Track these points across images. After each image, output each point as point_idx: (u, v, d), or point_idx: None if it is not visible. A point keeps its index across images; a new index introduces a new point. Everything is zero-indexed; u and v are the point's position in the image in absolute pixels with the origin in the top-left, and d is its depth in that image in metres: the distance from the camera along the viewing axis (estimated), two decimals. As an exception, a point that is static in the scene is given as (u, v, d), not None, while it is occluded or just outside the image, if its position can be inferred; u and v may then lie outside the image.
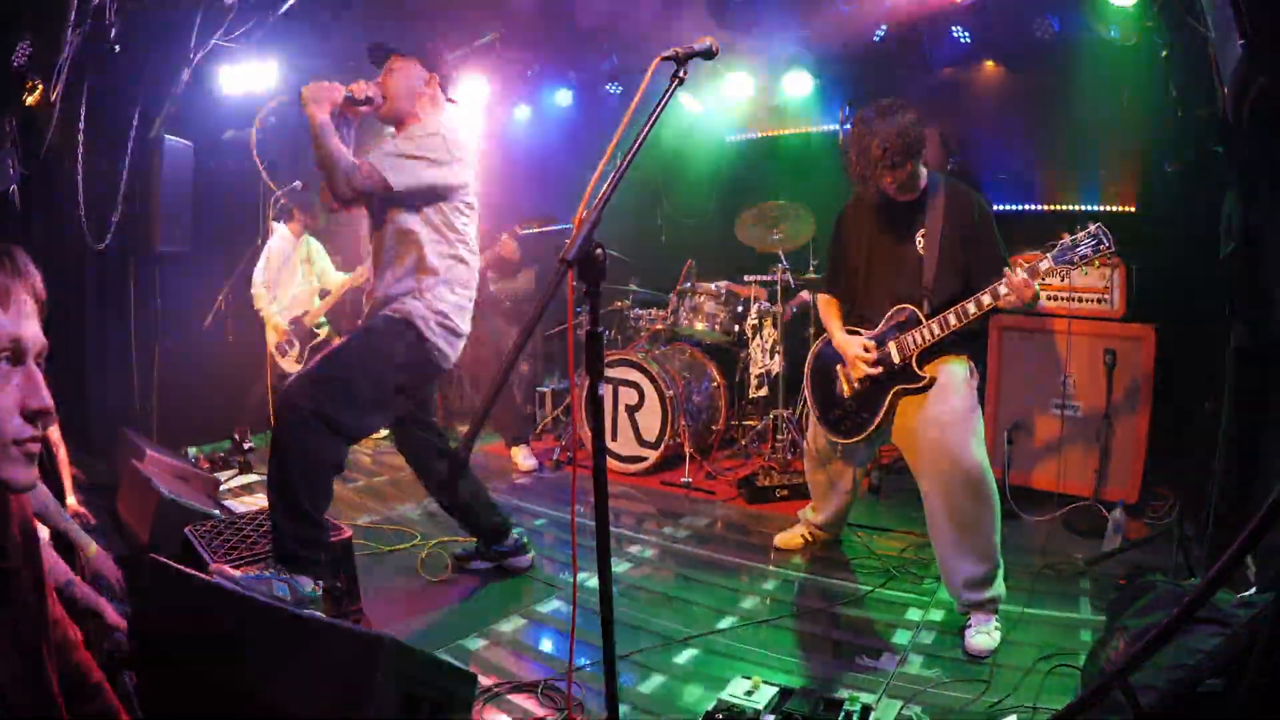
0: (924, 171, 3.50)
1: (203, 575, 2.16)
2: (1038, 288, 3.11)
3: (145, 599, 2.33)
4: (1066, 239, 3.06)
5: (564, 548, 4.31)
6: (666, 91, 1.98)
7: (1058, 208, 5.83)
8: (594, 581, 3.51)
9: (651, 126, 1.91)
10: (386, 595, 3.66)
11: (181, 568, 2.13)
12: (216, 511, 3.90)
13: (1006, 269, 3.11)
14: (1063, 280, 4.72)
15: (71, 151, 4.43)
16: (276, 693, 1.83)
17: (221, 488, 5.01)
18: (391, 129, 3.58)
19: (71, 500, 3.88)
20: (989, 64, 6.12)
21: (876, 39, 6.03)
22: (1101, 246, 3.00)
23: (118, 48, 4.47)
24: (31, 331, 1.31)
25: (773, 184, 6.90)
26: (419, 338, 3.33)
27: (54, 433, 3.99)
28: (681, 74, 2.01)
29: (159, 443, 5.02)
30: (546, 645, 3.30)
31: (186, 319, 6.03)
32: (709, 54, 2.07)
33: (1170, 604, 2.29)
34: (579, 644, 3.06)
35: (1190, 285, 4.48)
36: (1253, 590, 2.20)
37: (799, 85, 6.63)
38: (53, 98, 4.06)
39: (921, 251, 3.47)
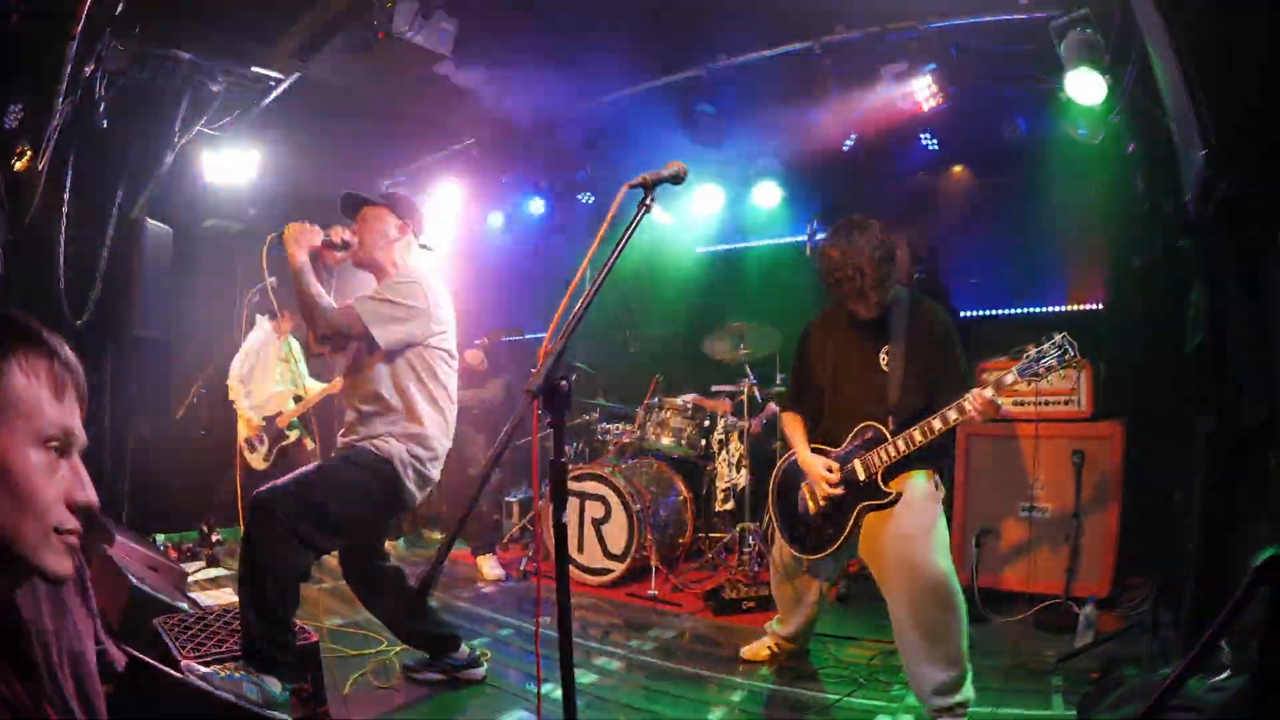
0: (888, 289, 3.60)
1: (174, 673, 2.16)
2: (999, 402, 3.19)
3: (122, 693, 2.27)
4: (1032, 350, 3.15)
5: (529, 658, 4.26)
6: (634, 218, 2.06)
7: (1026, 311, 5.95)
8: (558, 693, 3.51)
9: (618, 254, 2.00)
10: (353, 698, 3.60)
11: (156, 664, 2.10)
12: (184, 604, 3.85)
13: (972, 388, 3.21)
14: (1029, 384, 4.83)
15: (54, 223, 4.48)
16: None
17: (189, 579, 4.93)
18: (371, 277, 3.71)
19: None
20: (957, 169, 6.32)
21: (845, 148, 6.23)
22: (1067, 356, 3.08)
23: (105, 123, 4.58)
24: (78, 424, 1.33)
25: (741, 296, 7.14)
26: (395, 479, 3.42)
27: None
28: (649, 200, 2.10)
29: (128, 527, 4.94)
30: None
31: (161, 405, 6.02)
32: (676, 179, 2.18)
33: (1143, 696, 2.32)
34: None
35: (1157, 379, 4.60)
36: (1226, 674, 2.24)
37: (768, 197, 6.84)
38: (40, 165, 4.14)
39: (886, 369, 3.57)
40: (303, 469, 3.41)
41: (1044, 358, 3.12)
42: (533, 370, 1.81)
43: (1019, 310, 6.06)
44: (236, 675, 2.93)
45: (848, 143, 6.31)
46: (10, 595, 1.30)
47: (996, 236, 6.11)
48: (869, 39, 5.23)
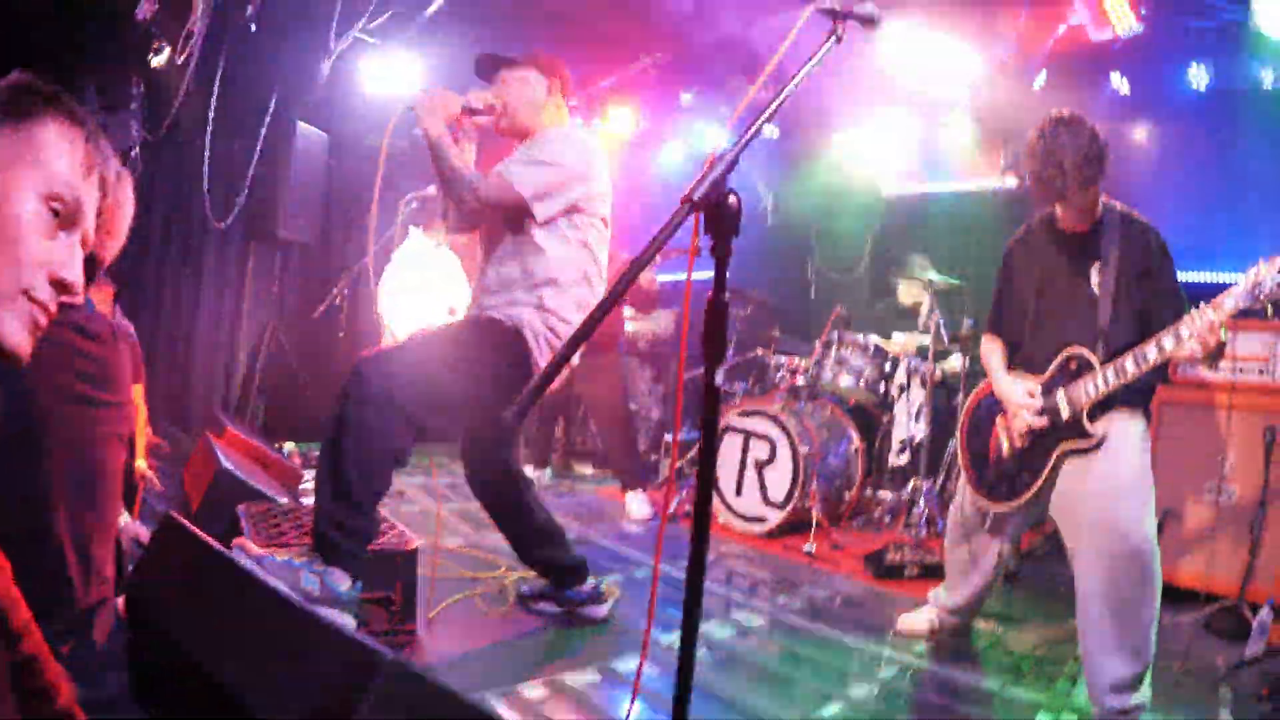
0: (1097, 200, 3.09)
1: (216, 545, 1.89)
2: (1224, 334, 2.68)
3: (150, 557, 2.06)
4: (1250, 272, 2.63)
5: (664, 604, 3.87)
6: (821, 46, 1.75)
7: (1212, 278, 5.41)
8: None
9: (797, 82, 1.67)
10: (453, 622, 3.33)
11: (195, 531, 1.89)
12: (282, 498, 3.68)
13: (1191, 310, 2.70)
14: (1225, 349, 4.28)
15: (201, 126, 4.45)
16: (248, 693, 1.54)
17: (303, 484, 4.83)
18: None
19: (141, 463, 3.78)
20: (1145, 121, 5.95)
21: (1036, 88, 5.82)
22: None
23: (254, 26, 4.45)
24: (91, 208, 1.27)
25: (928, 241, 6.64)
26: (524, 353, 3.02)
27: (136, 393, 3.93)
28: (840, 32, 1.80)
29: (261, 431, 4.93)
30: (616, 709, 2.82)
31: (302, 310, 5.98)
32: (870, 19, 1.84)
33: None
34: (658, 714, 2.67)
35: None
36: None
37: (959, 132, 6.42)
38: (180, 61, 4.04)
39: (1097, 290, 3.04)
40: (418, 332, 3.09)
41: (1263, 283, 2.60)
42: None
43: (1209, 276, 5.45)
44: (296, 562, 2.59)
45: (1038, 82, 5.87)
46: None
47: (1187, 193, 5.54)
48: None
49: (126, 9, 3.77)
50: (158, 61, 4.16)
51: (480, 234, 3.37)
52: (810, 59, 1.71)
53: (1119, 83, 5.78)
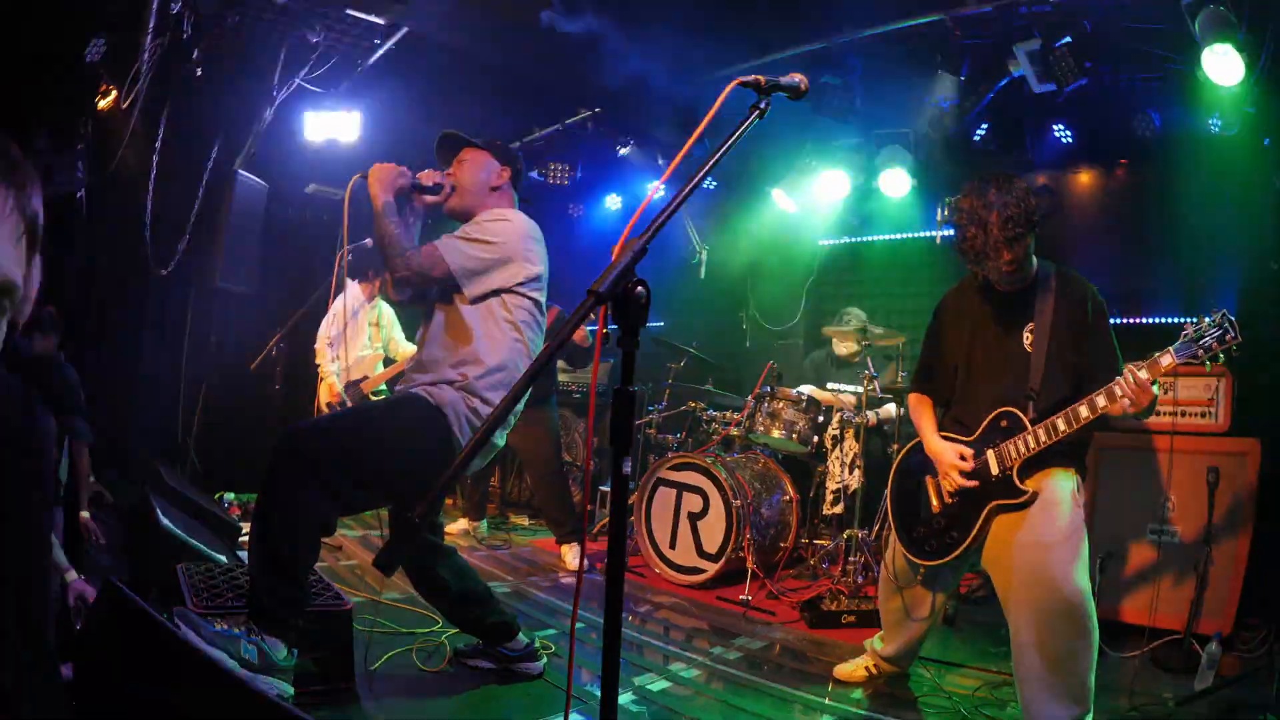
0: (1035, 258, 3.17)
1: (157, 615, 1.87)
2: (1156, 390, 2.75)
3: (94, 625, 2.09)
4: (1190, 329, 2.74)
5: (600, 655, 3.86)
6: (745, 122, 1.79)
7: (1153, 321, 5.62)
8: (623, 697, 3.07)
9: (720, 156, 1.72)
10: (391, 678, 3.29)
11: (137, 600, 1.86)
12: (221, 556, 3.63)
13: (1125, 368, 2.76)
14: (1165, 393, 4.44)
15: (145, 170, 4.40)
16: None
17: (242, 536, 4.74)
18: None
19: (85, 513, 3.70)
20: (1088, 166, 6.08)
21: (977, 138, 5.95)
22: (1228, 337, 2.68)
23: (200, 71, 4.45)
24: (19, 281, 1.09)
25: (863, 290, 6.86)
26: (446, 432, 3.02)
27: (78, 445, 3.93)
28: (763, 105, 1.83)
29: (197, 481, 4.85)
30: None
31: (241, 359, 5.93)
32: (796, 91, 1.90)
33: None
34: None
35: None
36: None
37: (896, 185, 6.44)
38: (125, 104, 4.02)
39: (1029, 348, 3.11)
40: (344, 409, 3.09)
41: (1203, 337, 2.71)
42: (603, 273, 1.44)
43: (1150, 320, 5.66)
44: (235, 631, 2.59)
45: (979, 132, 6.02)
46: None
47: (1128, 238, 5.77)
48: (1001, 12, 4.96)
49: (77, 50, 3.75)
50: (104, 104, 4.12)
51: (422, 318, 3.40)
52: (733, 134, 1.75)
53: (1061, 132, 5.91)
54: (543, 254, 3.29)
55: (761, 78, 1.84)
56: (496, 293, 3.14)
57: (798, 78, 1.90)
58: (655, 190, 1.59)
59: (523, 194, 3.53)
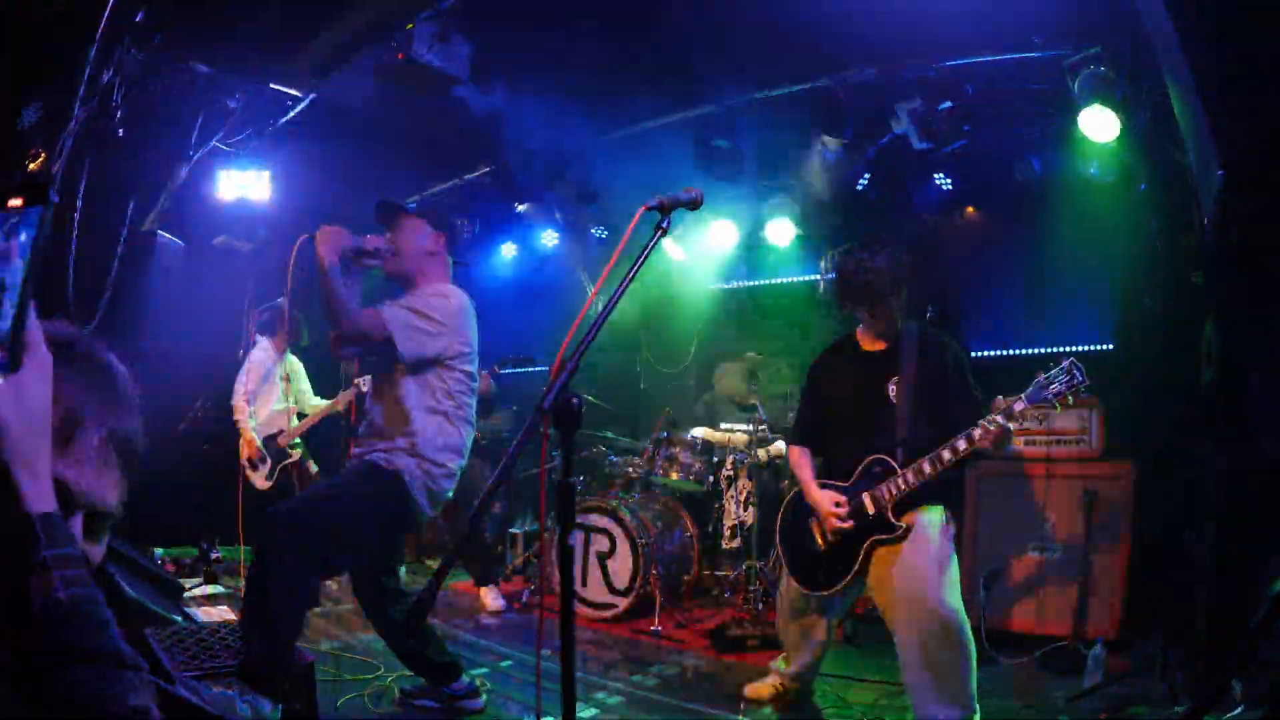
0: (898, 318, 3.62)
1: (164, 684, 2.11)
2: (1010, 428, 3.16)
3: None
4: (1041, 376, 3.12)
5: (529, 689, 4.18)
6: (650, 241, 2.03)
7: (1037, 352, 5.96)
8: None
9: (633, 276, 1.97)
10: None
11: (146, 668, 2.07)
12: (177, 617, 3.79)
13: (981, 418, 3.18)
14: (1040, 424, 4.83)
15: (65, 230, 4.48)
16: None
17: (186, 594, 4.87)
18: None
19: None
20: (971, 209, 6.35)
21: (860, 187, 6.26)
22: (1075, 381, 3.06)
23: (121, 132, 4.57)
24: None
25: (753, 332, 7.08)
26: (404, 494, 3.36)
27: None
28: (664, 224, 2.07)
29: (126, 538, 4.90)
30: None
31: (166, 417, 6.00)
32: (694, 204, 2.14)
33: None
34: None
35: (1166, 418, 4.58)
36: (1239, 710, 2.18)
37: (781, 234, 6.81)
38: (54, 168, 4.13)
39: (894, 400, 3.52)
40: (315, 486, 3.38)
41: (1052, 383, 3.10)
42: (544, 389, 1.76)
43: (1031, 350, 6.06)
44: (229, 692, 2.85)
45: (862, 182, 6.35)
46: None
47: (1009, 276, 6.14)
48: (885, 75, 5.28)
49: (10, 116, 3.85)
50: (33, 166, 4.20)
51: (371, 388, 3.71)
52: (642, 254, 1.99)
53: (942, 181, 6.20)
54: (474, 329, 3.61)
55: (664, 199, 2.08)
56: (433, 367, 3.46)
57: (695, 192, 2.14)
58: (587, 306, 1.87)
59: (457, 256, 3.84)
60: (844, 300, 3.65)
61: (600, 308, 1.92)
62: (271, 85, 5.17)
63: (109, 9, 3.35)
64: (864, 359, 3.67)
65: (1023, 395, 3.15)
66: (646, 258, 1.99)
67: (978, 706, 3.19)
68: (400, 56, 4.47)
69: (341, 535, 3.19)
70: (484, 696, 3.88)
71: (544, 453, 1.96)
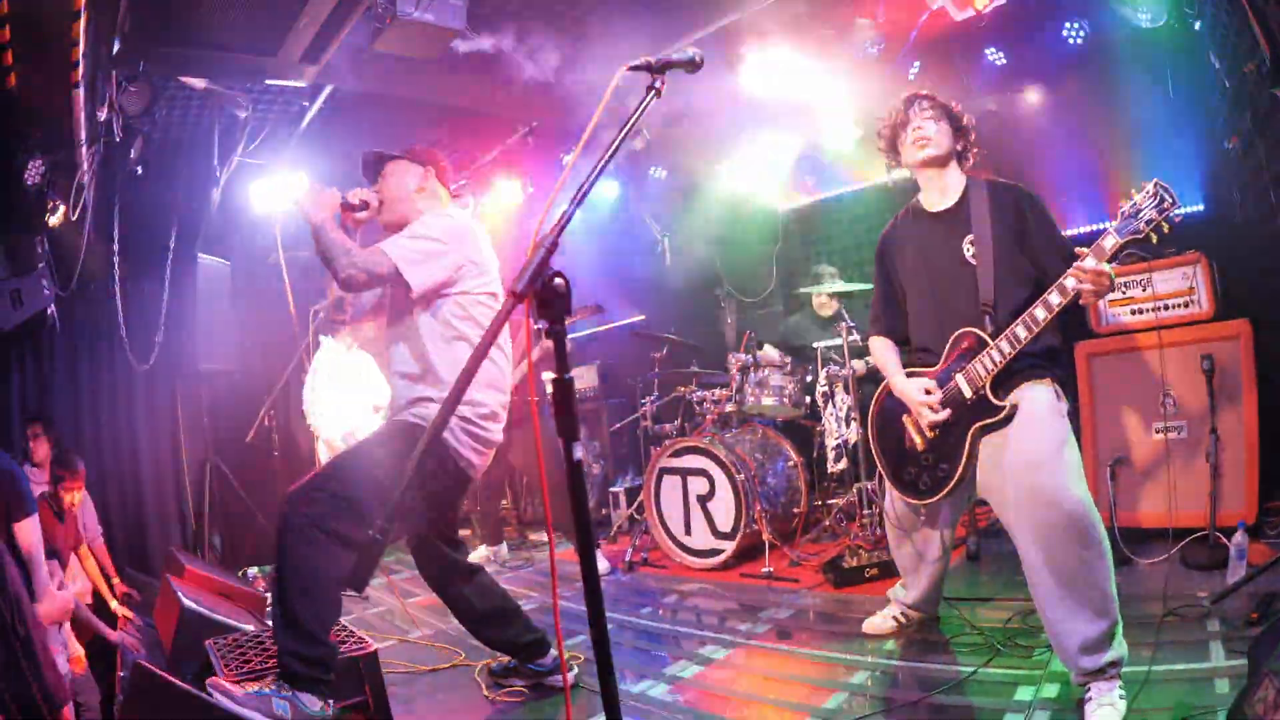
0: (959, 174, 3.19)
1: (188, 687, 2.03)
2: (1111, 271, 2.69)
3: (129, 707, 2.23)
4: (1125, 204, 2.66)
5: (637, 655, 3.90)
6: (641, 103, 1.77)
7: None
8: (656, 690, 3.10)
9: (620, 141, 1.71)
10: (432, 711, 3.35)
11: (166, 677, 2.09)
12: (248, 625, 3.70)
13: (1074, 260, 2.71)
14: (1145, 291, 4.42)
15: (107, 272, 4.46)
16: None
17: (269, 605, 4.77)
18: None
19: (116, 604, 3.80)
20: (1029, 84, 5.98)
21: (911, 77, 5.84)
22: (1165, 204, 2.60)
23: (140, 169, 4.49)
24: None
25: (832, 246, 6.93)
26: (443, 448, 3.04)
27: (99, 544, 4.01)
28: (658, 85, 1.81)
29: (221, 561, 4.92)
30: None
31: (236, 436, 6.01)
32: (691, 65, 1.86)
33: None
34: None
35: (1274, 269, 4.25)
36: None
37: (841, 137, 6.41)
38: (73, 217, 4.06)
39: (972, 260, 3.06)
40: (332, 458, 3.12)
41: (1141, 210, 2.63)
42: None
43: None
44: (266, 691, 2.62)
45: (912, 72, 5.87)
46: None
47: (1081, 147, 5.69)
48: None
49: (16, 174, 3.78)
50: (54, 220, 4.17)
51: (385, 347, 3.41)
52: (632, 116, 1.73)
53: (995, 55, 5.80)
54: (486, 247, 3.29)
55: (650, 58, 1.81)
56: (450, 297, 3.14)
57: (691, 50, 1.87)
58: (560, 184, 1.60)
59: (454, 190, 3.56)
60: (892, 135, 3.34)
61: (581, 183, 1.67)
62: (268, 82, 4.92)
63: (82, 49, 3.15)
64: (931, 220, 3.23)
65: (1111, 227, 2.67)
66: (636, 121, 1.76)
67: (1120, 614, 2.72)
68: (389, 20, 4.16)
69: (363, 505, 2.83)
70: (575, 669, 3.64)
71: (529, 344, 1.61)
